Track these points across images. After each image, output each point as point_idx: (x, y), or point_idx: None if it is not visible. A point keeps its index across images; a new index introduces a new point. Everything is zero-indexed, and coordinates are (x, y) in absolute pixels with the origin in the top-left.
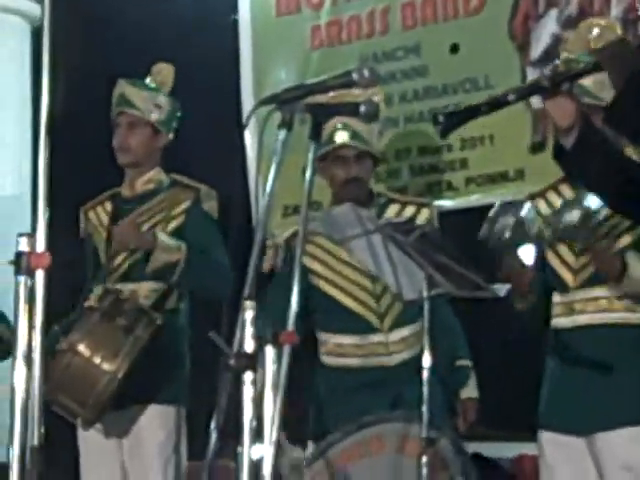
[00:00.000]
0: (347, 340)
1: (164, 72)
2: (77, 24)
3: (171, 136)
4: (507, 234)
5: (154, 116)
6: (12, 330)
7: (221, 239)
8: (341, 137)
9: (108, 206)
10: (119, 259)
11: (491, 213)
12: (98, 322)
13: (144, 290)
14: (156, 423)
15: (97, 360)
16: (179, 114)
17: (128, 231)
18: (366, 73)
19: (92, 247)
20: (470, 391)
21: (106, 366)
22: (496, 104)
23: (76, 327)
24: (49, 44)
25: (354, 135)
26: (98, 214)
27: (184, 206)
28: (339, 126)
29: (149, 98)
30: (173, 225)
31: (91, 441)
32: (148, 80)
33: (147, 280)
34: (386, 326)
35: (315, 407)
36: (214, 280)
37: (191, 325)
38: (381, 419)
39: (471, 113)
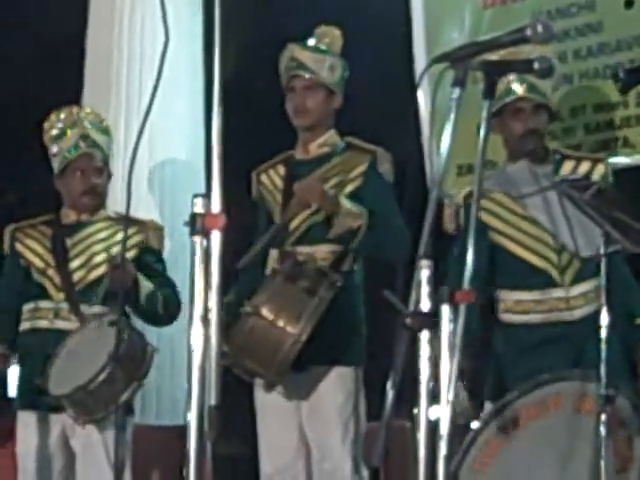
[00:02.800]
0: (527, 296)
1: (331, 34)
2: None
3: (341, 98)
4: None
5: (328, 78)
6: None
7: (396, 202)
8: (518, 90)
9: (281, 169)
10: (296, 222)
11: None
12: (281, 284)
13: (321, 253)
14: (335, 385)
15: (281, 323)
16: (347, 75)
17: (313, 187)
18: (540, 29)
19: (265, 210)
20: None
21: (290, 329)
22: None
23: (259, 290)
24: (220, 9)
25: (531, 88)
26: (271, 177)
27: (361, 169)
28: (515, 79)
29: (322, 60)
30: (350, 188)
31: (269, 403)
32: (314, 42)
33: (324, 243)
34: (567, 280)
35: (494, 366)
36: (394, 245)
37: (365, 286)
38: (558, 377)
39: None
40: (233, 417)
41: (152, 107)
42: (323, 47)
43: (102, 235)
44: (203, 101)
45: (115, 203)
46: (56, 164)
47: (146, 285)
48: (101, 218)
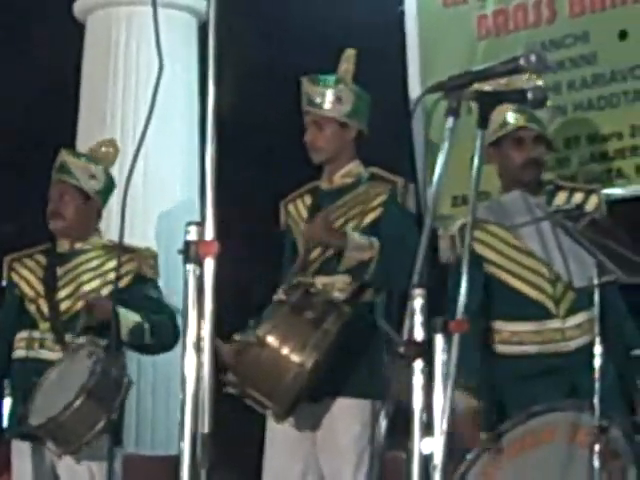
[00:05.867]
0: (523, 327)
1: (345, 61)
2: (243, 19)
3: (364, 126)
4: None
5: (336, 111)
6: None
7: (416, 232)
8: (518, 120)
9: (308, 199)
10: (315, 253)
11: None
12: (287, 315)
13: (339, 283)
14: (351, 416)
15: (285, 352)
16: (367, 103)
17: (319, 227)
18: (534, 59)
19: (291, 240)
20: None
21: (294, 358)
22: None
23: (265, 320)
24: (214, 40)
25: (531, 118)
26: (297, 207)
27: (381, 199)
28: (513, 109)
29: (331, 94)
30: (370, 218)
31: (279, 432)
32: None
33: (343, 273)
34: (562, 312)
35: (489, 397)
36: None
37: (388, 318)
38: (551, 408)
39: None
40: (236, 448)
41: (146, 135)
42: (329, 79)
43: (92, 264)
44: (198, 130)
45: (110, 232)
46: None
47: (129, 319)
48: (95, 246)
